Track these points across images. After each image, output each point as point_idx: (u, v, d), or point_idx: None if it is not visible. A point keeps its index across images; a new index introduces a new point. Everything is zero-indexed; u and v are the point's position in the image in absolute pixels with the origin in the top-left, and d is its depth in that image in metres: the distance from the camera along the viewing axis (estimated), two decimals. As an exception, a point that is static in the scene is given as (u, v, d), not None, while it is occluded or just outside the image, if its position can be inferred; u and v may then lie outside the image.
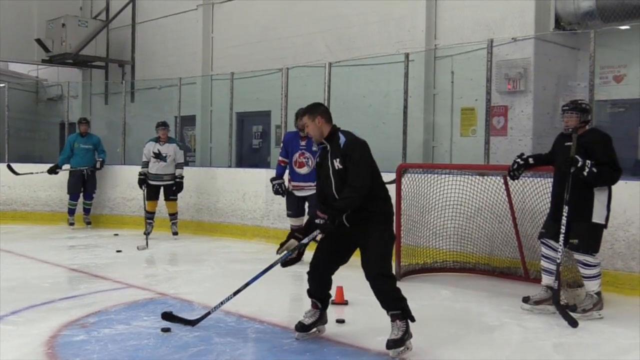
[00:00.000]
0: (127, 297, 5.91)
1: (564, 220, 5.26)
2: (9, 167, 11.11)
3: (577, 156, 5.20)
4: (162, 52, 14.48)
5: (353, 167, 4.31)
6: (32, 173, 11.23)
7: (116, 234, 10.15)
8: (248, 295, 5.72)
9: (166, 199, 9.90)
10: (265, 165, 11.76)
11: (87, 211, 11.24)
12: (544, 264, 5.59)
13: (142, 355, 4.20)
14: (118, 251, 8.59)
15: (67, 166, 11.08)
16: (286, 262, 4.53)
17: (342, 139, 4.43)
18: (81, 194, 11.15)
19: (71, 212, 11.12)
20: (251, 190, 10.05)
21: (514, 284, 6.74)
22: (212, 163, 12.77)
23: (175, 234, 9.97)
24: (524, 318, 5.36)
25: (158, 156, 9.76)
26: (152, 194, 9.87)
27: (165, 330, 4.69)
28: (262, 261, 7.83)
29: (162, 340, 4.52)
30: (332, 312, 5.42)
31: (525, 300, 5.56)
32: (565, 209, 5.24)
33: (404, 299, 4.27)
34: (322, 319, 4.66)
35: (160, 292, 6.14)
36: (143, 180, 9.73)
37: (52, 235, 10.34)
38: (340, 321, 5.08)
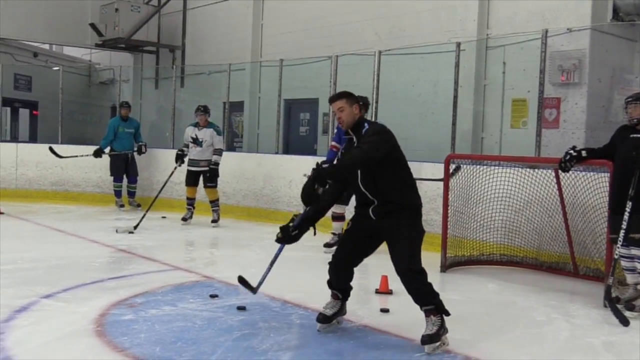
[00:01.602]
0: (174, 279, 5.99)
1: (626, 216, 5.13)
2: (51, 150, 11.29)
3: None
4: (212, 38, 14.59)
5: (367, 138, 4.21)
6: (76, 156, 11.41)
7: (164, 217, 10.28)
8: (293, 282, 5.78)
9: (204, 185, 9.75)
10: (312, 152, 11.76)
11: (132, 194, 11.43)
12: (624, 263, 5.44)
13: (188, 336, 4.25)
14: (130, 232, 8.62)
15: (107, 149, 11.28)
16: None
17: (367, 126, 4.35)
18: (124, 178, 11.37)
19: (118, 194, 11.36)
20: (297, 178, 10.03)
21: (562, 279, 6.63)
22: (259, 149, 12.86)
23: (213, 221, 9.75)
24: (573, 314, 5.26)
25: (195, 141, 9.66)
26: (190, 180, 9.82)
27: (241, 308, 4.89)
28: (307, 248, 7.88)
29: (207, 322, 4.56)
30: (376, 301, 5.44)
31: (617, 300, 5.26)
32: (629, 204, 5.11)
33: (436, 294, 4.18)
34: (342, 310, 4.58)
35: (206, 275, 6.21)
36: (179, 155, 9.69)
37: (101, 216, 10.56)
38: (385, 310, 5.07)
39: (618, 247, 5.20)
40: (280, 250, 4.53)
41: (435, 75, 10.17)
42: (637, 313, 5.14)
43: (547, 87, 8.43)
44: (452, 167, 6.97)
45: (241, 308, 4.92)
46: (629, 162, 5.21)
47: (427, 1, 10.47)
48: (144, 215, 9.14)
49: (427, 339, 4.08)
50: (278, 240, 4.41)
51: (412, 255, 4.17)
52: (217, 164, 9.66)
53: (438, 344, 4.10)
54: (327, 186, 4.12)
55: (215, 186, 9.77)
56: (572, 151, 5.67)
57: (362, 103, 5.10)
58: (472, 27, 9.82)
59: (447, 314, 4.19)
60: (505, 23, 9.54)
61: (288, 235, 4.37)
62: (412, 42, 10.11)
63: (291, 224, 4.39)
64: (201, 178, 9.81)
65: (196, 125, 9.76)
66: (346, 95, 4.40)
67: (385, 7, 11.07)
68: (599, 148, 5.73)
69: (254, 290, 4.56)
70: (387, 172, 4.22)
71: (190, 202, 9.89)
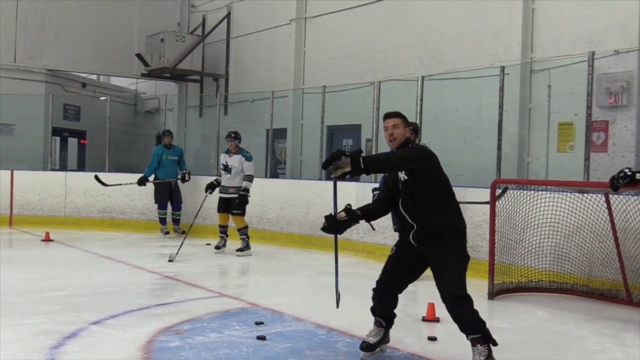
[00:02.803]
0: (220, 306, 6.00)
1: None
2: (96, 178, 11.53)
3: None
4: (255, 66, 14.78)
5: (406, 149, 4.19)
6: (121, 184, 11.63)
7: (208, 244, 10.34)
8: (339, 309, 5.71)
9: (231, 212, 9.55)
10: (355, 179, 11.71)
11: (177, 221, 11.58)
12: None
13: (234, 364, 4.24)
14: (170, 260, 8.56)
15: (151, 177, 11.46)
16: None
17: (410, 145, 4.33)
18: (169, 205, 11.50)
19: (163, 221, 11.51)
20: (341, 204, 10.00)
21: (615, 307, 6.42)
22: (302, 176, 12.88)
23: (238, 250, 9.42)
24: (628, 344, 5.08)
25: (225, 168, 9.57)
26: (221, 207, 9.69)
27: (261, 338, 4.79)
28: (351, 275, 7.84)
29: (253, 350, 4.55)
30: (423, 329, 5.35)
31: None
32: None
33: (483, 322, 4.05)
34: (385, 338, 4.51)
35: (251, 302, 6.20)
36: (210, 184, 9.66)
37: (147, 243, 10.69)
38: (432, 339, 4.98)
39: None
40: (336, 246, 4.37)
41: (479, 99, 10.10)
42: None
43: (594, 110, 8.27)
44: (498, 190, 6.87)
45: (261, 338, 4.81)
46: None
47: (470, 26, 10.44)
48: (182, 244, 9.08)
49: (474, 370, 3.96)
50: (323, 229, 4.30)
51: (457, 281, 4.08)
52: (246, 190, 9.44)
53: (486, 374, 3.98)
54: (356, 173, 3.84)
55: (243, 214, 9.51)
56: (627, 169, 5.49)
57: (413, 128, 5.12)
58: (516, 50, 9.75)
59: (495, 343, 4.05)
60: (549, 46, 9.44)
61: (334, 222, 4.24)
62: (455, 67, 10.09)
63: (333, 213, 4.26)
64: None
65: (227, 151, 9.72)
66: (403, 116, 4.37)
67: (428, 32, 11.07)
68: (651, 172, 5.56)
69: (337, 304, 4.44)
70: (427, 193, 4.15)
71: (223, 229, 9.71)
